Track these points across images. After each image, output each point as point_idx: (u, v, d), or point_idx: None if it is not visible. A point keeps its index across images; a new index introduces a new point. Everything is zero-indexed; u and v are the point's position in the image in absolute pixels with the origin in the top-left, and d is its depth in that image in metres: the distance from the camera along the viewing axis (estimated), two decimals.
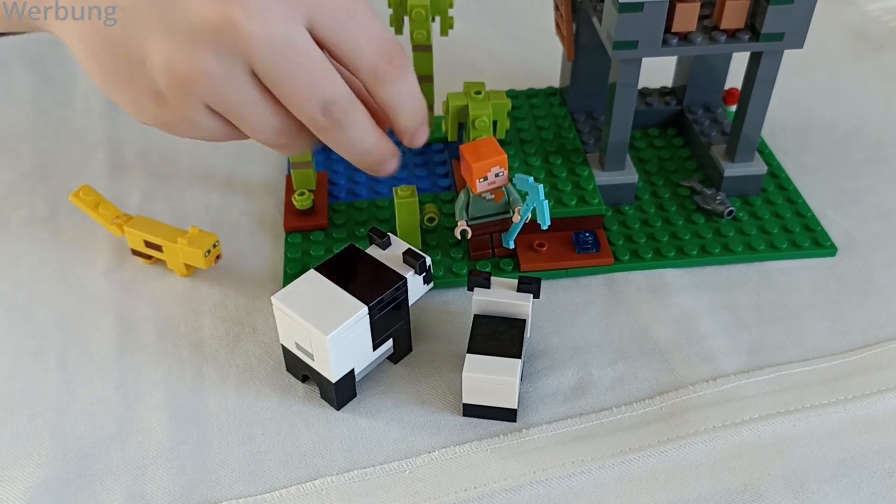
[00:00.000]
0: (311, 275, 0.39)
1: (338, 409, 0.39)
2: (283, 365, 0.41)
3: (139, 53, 0.36)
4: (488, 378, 0.37)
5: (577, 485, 0.36)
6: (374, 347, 0.39)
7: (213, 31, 0.34)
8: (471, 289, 0.40)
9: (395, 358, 0.42)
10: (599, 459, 0.37)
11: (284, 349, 0.40)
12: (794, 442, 0.38)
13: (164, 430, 0.39)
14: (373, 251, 0.40)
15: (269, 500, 0.36)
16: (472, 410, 0.39)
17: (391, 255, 0.40)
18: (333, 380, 0.38)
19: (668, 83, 0.57)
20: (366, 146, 0.38)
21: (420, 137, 0.41)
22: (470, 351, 0.38)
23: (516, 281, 0.40)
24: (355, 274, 0.39)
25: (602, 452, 0.37)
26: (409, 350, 0.42)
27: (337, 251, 0.40)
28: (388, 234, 0.41)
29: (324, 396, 0.40)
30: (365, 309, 0.37)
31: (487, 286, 0.40)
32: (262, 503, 0.36)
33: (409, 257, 0.39)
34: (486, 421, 0.39)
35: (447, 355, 0.42)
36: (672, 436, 0.38)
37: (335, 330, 0.36)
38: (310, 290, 0.38)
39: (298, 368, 0.40)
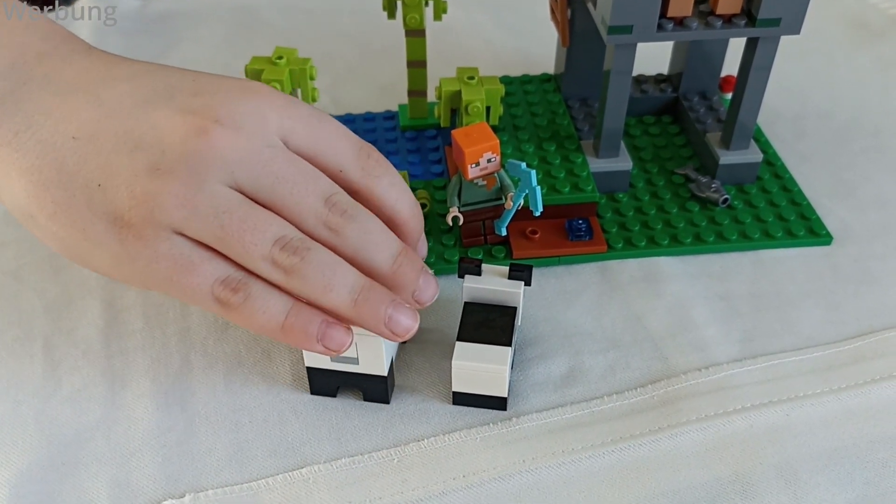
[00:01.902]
0: None
1: (388, 403, 0.39)
2: (271, 354, 0.41)
3: (97, 177, 0.33)
4: (478, 366, 0.37)
5: (567, 473, 0.36)
6: None
7: (183, 145, 0.33)
8: (461, 276, 0.40)
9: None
10: (590, 448, 0.37)
11: (312, 371, 0.38)
12: (786, 431, 0.38)
13: (150, 417, 0.38)
14: None
15: (256, 488, 0.36)
16: (461, 399, 0.38)
17: None
18: (385, 373, 0.37)
19: (664, 70, 0.57)
20: (385, 238, 0.36)
21: (424, 246, 0.41)
22: (460, 339, 0.38)
23: (507, 268, 0.39)
24: None
25: (593, 441, 0.37)
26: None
27: None
28: None
29: (369, 398, 0.39)
30: None
31: (478, 273, 0.40)
32: (249, 491, 0.36)
33: None
34: (475, 409, 0.38)
35: (437, 343, 0.41)
36: (664, 425, 0.38)
37: None
38: None
39: (332, 383, 0.39)
